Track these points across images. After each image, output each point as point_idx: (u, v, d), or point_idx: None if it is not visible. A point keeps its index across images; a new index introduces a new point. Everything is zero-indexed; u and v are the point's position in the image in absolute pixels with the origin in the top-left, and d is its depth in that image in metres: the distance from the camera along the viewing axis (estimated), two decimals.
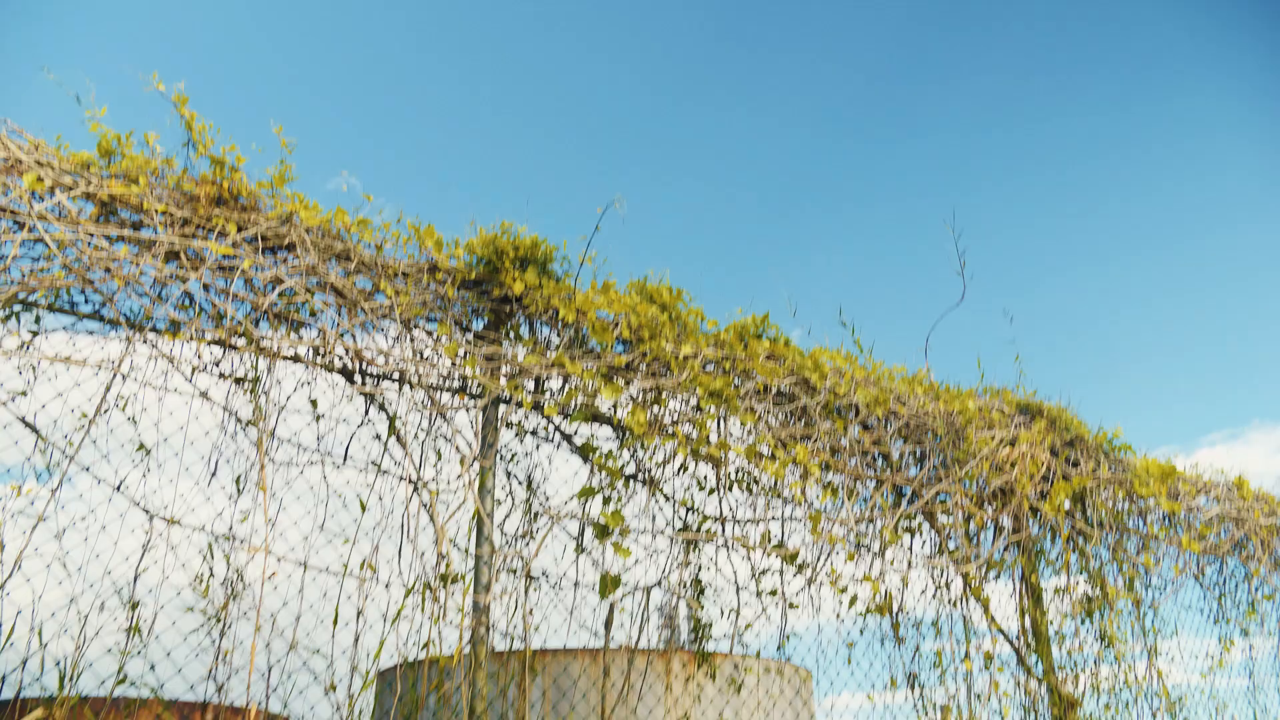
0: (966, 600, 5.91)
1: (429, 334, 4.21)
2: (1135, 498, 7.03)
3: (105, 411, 3.76)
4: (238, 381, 4.22)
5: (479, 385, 4.33)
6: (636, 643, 4.51)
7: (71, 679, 3.47)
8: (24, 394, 3.79)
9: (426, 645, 3.90)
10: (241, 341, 3.91)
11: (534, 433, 4.73)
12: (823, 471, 5.21)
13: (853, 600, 5.41)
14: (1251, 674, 8.32)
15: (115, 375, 3.65)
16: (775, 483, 4.91)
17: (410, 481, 4.10)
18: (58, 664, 3.46)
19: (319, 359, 4.08)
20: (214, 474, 3.91)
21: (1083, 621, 6.55)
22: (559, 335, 4.54)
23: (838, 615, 5.28)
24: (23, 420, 3.77)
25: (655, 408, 4.60)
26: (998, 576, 6.23)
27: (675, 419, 4.57)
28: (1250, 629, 8.34)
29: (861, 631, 5.34)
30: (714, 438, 4.68)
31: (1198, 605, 8.15)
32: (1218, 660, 7.81)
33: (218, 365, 4.20)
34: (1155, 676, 7.12)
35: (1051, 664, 6.22)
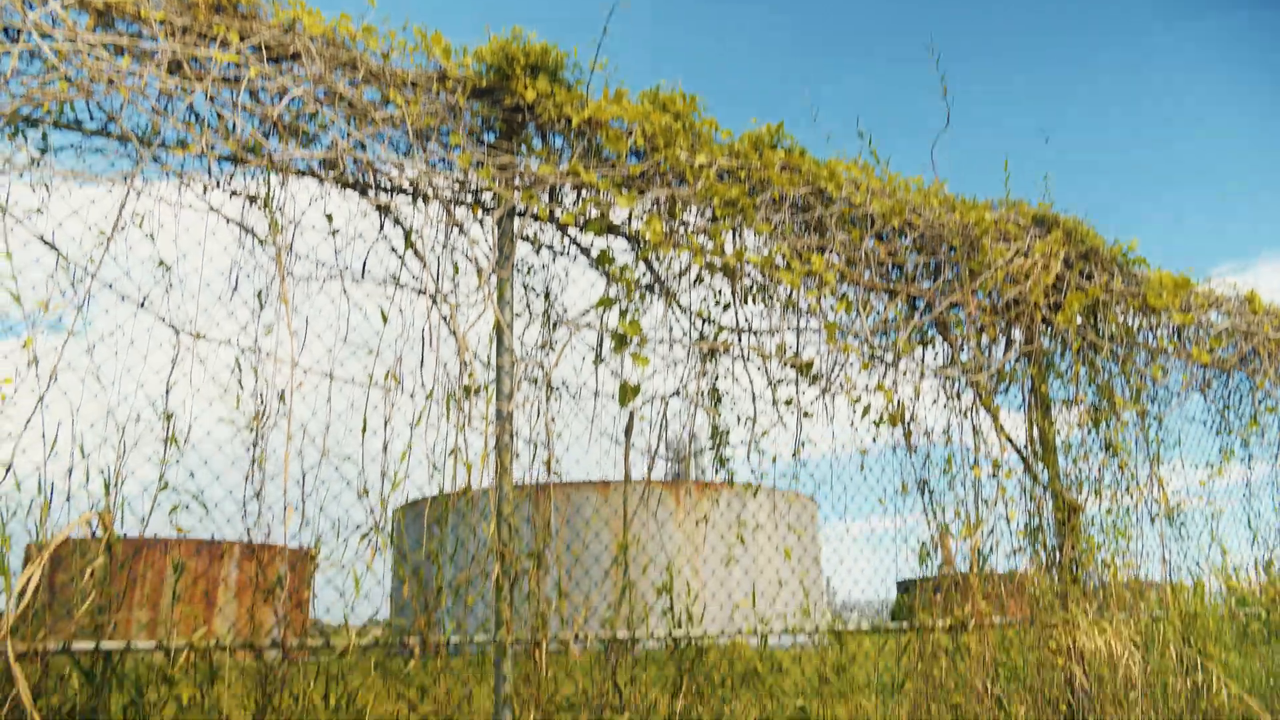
0: (977, 411, 6.02)
1: (442, 145, 4.15)
2: (1147, 311, 7.06)
3: (122, 229, 3.75)
4: (250, 199, 4.19)
5: (494, 197, 4.30)
6: (655, 452, 4.63)
7: (116, 486, 3.59)
8: (39, 212, 3.77)
9: (454, 452, 4.01)
10: (252, 156, 3.87)
11: (550, 247, 4.73)
12: (838, 283, 5.23)
13: (865, 410, 5.52)
14: (1248, 482, 8.56)
15: (129, 191, 3.63)
16: (791, 293, 4.93)
17: (429, 295, 4.12)
18: (101, 472, 3.58)
19: (331, 173, 4.04)
20: (235, 289, 3.94)
21: (1089, 432, 6.69)
22: (572, 146, 4.47)
23: (851, 424, 5.40)
24: (41, 238, 3.77)
25: (670, 220, 4.58)
26: (1007, 388, 6.34)
27: (691, 230, 4.55)
28: (1250, 440, 8.52)
29: (875, 439, 5.47)
30: (729, 249, 4.68)
31: (1201, 418, 8.32)
32: (1217, 469, 8.02)
33: (230, 182, 4.17)
34: (1156, 484, 7.33)
35: (1057, 472, 6.39)
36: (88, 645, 3.40)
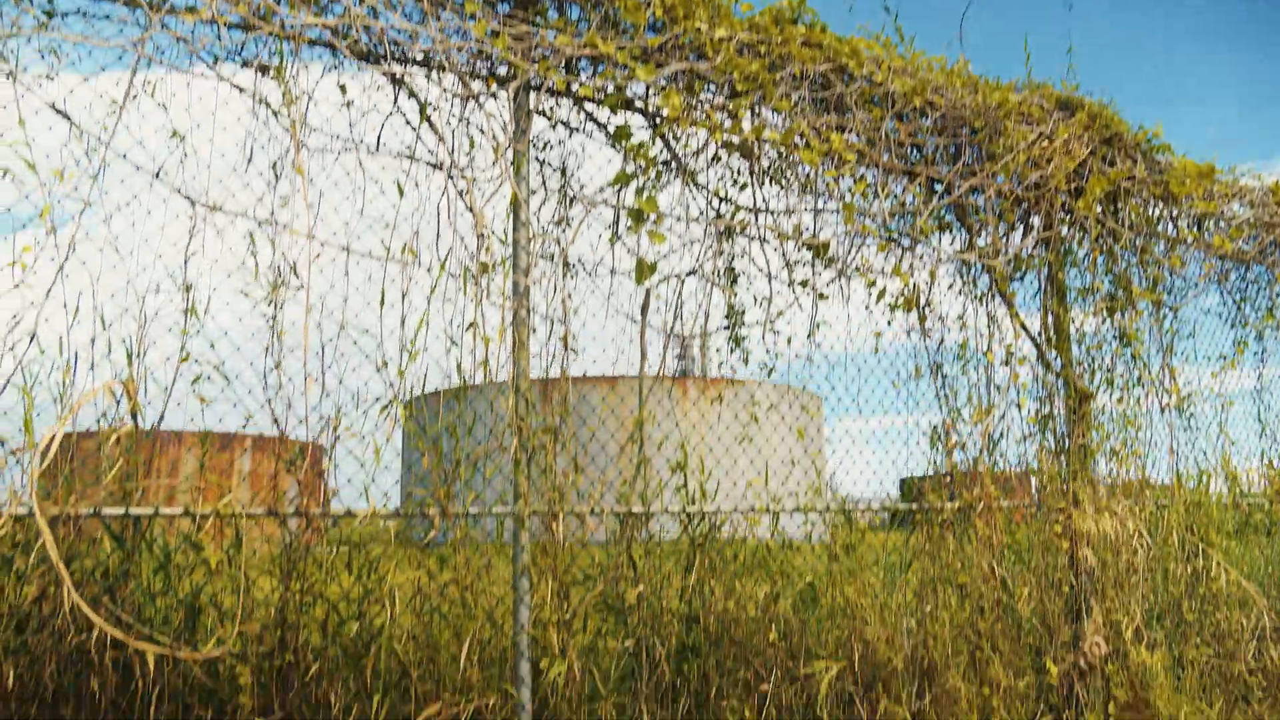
0: (992, 297, 6.00)
1: (457, 13, 4.05)
2: (1168, 199, 6.96)
3: (134, 97, 3.70)
4: (262, 70, 4.12)
5: (509, 70, 4.22)
6: (671, 330, 4.64)
7: (139, 356, 3.62)
8: (50, 78, 3.72)
9: (471, 326, 4.02)
10: (263, 23, 3.78)
11: (565, 124, 4.66)
12: (856, 165, 5.15)
13: (881, 294, 5.50)
14: (1260, 374, 8.57)
15: (139, 58, 3.57)
16: (811, 173, 4.87)
17: (445, 169, 4.08)
18: (123, 342, 3.60)
19: (344, 42, 3.96)
20: (250, 160, 3.90)
21: (1104, 321, 6.68)
22: (589, 18, 4.36)
23: (866, 308, 5.39)
24: (53, 106, 3.72)
25: (689, 96, 4.50)
26: (1024, 275, 6.30)
27: (710, 106, 4.48)
28: (1266, 333, 8.50)
29: (890, 323, 5.47)
30: (747, 126, 4.60)
31: (1216, 310, 8.29)
32: (1229, 362, 8.02)
33: (240, 52, 4.10)
34: (1168, 375, 7.34)
35: (1070, 359, 6.40)
36: (117, 510, 3.48)
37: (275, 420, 3.74)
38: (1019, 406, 6.06)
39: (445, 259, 3.90)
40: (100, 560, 3.53)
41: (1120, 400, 6.75)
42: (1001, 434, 5.96)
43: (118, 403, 3.54)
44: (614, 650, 4.41)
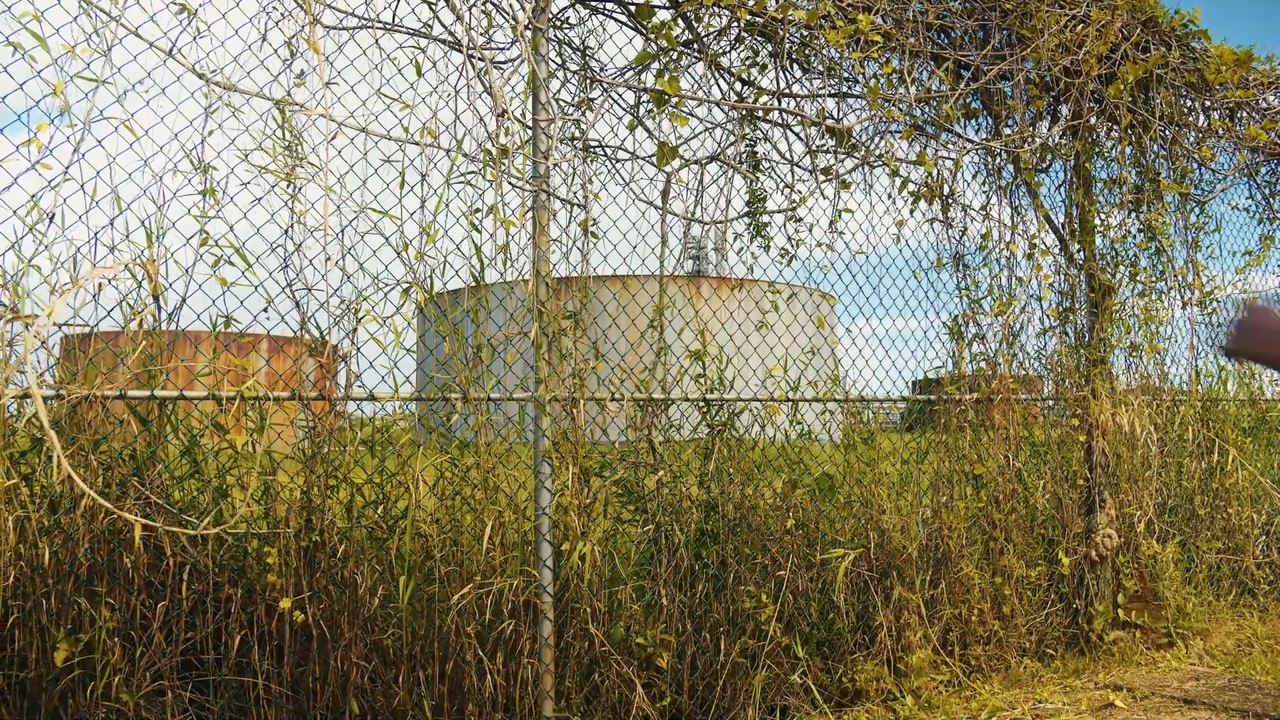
0: (1017, 187, 5.89)
1: None
2: (1202, 88, 6.77)
3: None
4: None
5: None
6: (692, 215, 4.57)
7: (158, 238, 3.58)
8: None
9: (492, 208, 3.96)
10: None
11: (586, 1, 4.51)
12: (883, 49, 5.01)
13: (904, 183, 5.41)
14: None
15: None
16: (836, 56, 4.73)
17: (463, 48, 3.97)
18: (143, 223, 3.57)
19: None
20: (264, 38, 3.80)
21: (1130, 214, 6.57)
22: None
23: (890, 196, 5.31)
24: None
25: None
26: (1050, 165, 6.18)
27: None
28: None
29: (912, 213, 5.38)
30: (773, 4, 4.45)
31: (1244, 205, 8.14)
32: (1255, 258, 7.91)
33: None
34: (1192, 269, 7.25)
35: (1093, 253, 6.31)
36: (143, 393, 3.49)
37: (296, 304, 3.73)
38: (1040, 299, 6.01)
39: (460, 140, 3.82)
40: (127, 442, 3.56)
41: (1143, 295, 6.68)
42: (1022, 326, 5.92)
43: (139, 285, 3.52)
44: (634, 536, 4.47)
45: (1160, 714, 4.77)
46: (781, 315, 4.88)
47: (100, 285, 3.37)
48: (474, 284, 4.02)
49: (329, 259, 3.63)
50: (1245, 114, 7.45)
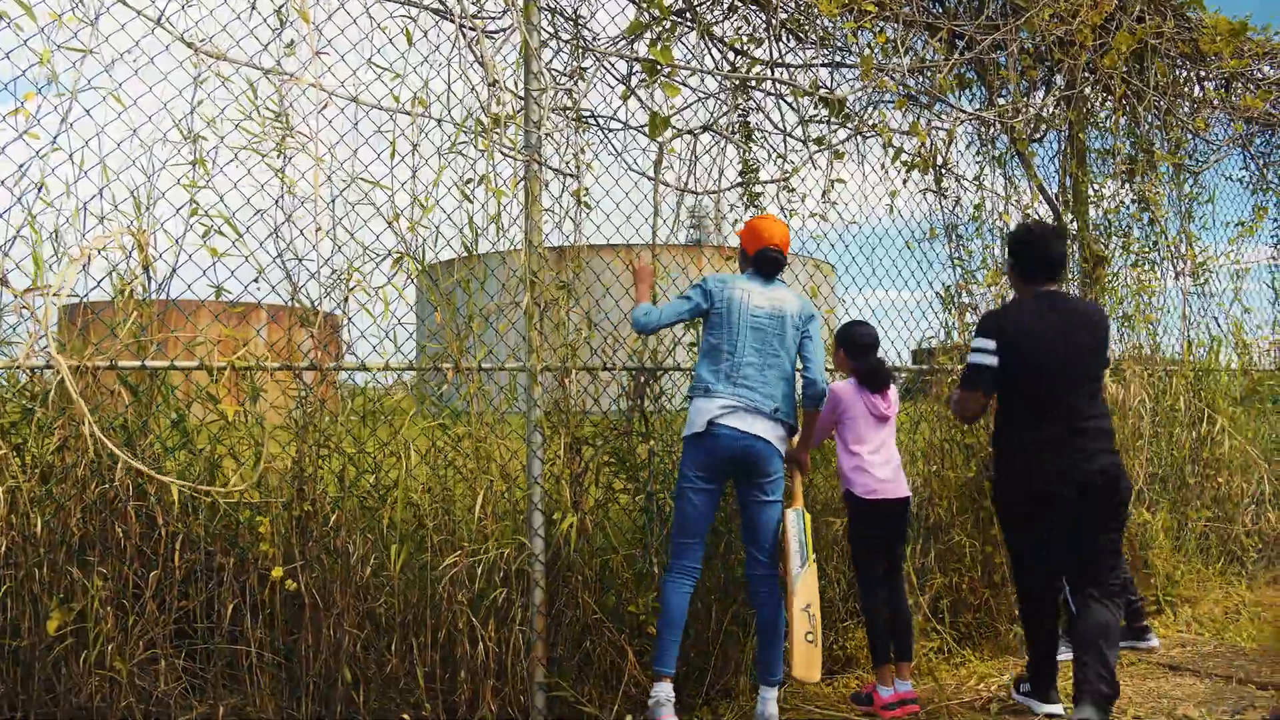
0: (1011, 158, 5.88)
1: None
2: (1196, 59, 6.75)
3: None
4: None
5: None
6: (685, 184, 4.56)
7: (148, 208, 3.57)
8: None
9: (484, 179, 3.95)
10: None
11: None
12: (877, 18, 4.98)
13: (898, 153, 5.39)
14: (1278, 243, 8.46)
15: None
16: (830, 25, 4.71)
17: (454, 18, 3.94)
18: (132, 193, 3.55)
19: None
20: (253, 6, 3.77)
21: (1123, 185, 6.56)
22: None
23: (883, 167, 5.29)
24: None
25: None
26: (1044, 135, 6.16)
27: None
28: None
29: (905, 183, 5.37)
30: None
31: (1238, 176, 8.12)
32: (1248, 228, 7.91)
33: None
34: (1185, 240, 7.25)
35: (1086, 223, 6.32)
36: (134, 364, 3.49)
37: (287, 274, 3.73)
38: None
39: (450, 110, 3.81)
40: (118, 411, 3.56)
41: (1135, 266, 6.69)
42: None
43: (129, 256, 3.52)
44: (625, 504, 4.50)
45: (1146, 680, 4.82)
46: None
47: (90, 257, 3.36)
48: (466, 254, 4.02)
49: (319, 229, 3.62)
50: (1241, 85, 7.43)
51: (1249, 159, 7.89)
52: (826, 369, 4.50)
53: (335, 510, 3.77)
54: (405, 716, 3.80)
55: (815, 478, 4.90)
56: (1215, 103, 7.21)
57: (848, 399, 4.33)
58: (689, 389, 4.06)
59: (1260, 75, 7.59)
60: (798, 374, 4.16)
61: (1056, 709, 4.22)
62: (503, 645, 4.00)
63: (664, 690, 3.89)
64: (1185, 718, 4.22)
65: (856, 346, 4.42)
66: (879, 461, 4.29)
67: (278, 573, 3.59)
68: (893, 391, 4.36)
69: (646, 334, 4.06)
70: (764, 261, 4.09)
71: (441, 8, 4.03)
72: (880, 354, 4.51)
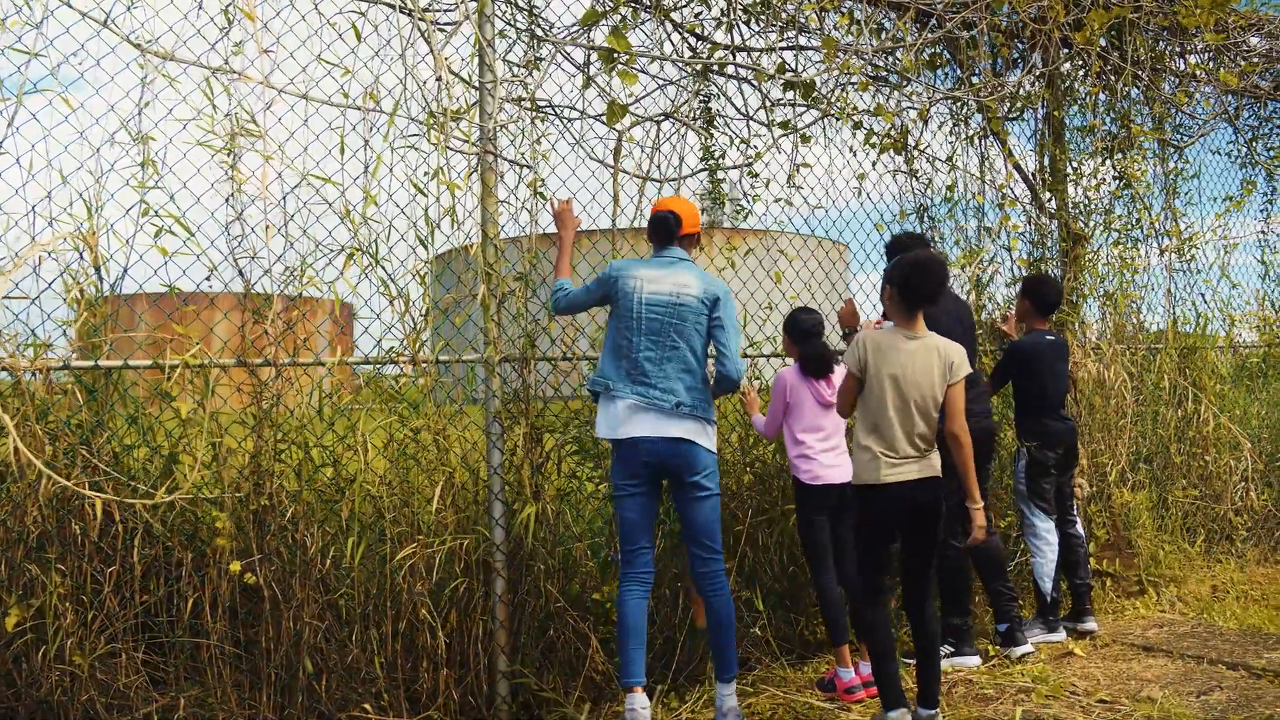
0: (985, 136, 5.84)
1: None
2: (1177, 32, 6.67)
3: None
4: None
5: None
6: (647, 173, 4.55)
7: (97, 210, 3.60)
8: None
9: (437, 173, 3.96)
10: None
11: None
12: (842, 1, 4.95)
13: (869, 135, 5.37)
14: (1267, 217, 8.37)
15: None
16: (794, 8, 4.68)
17: (404, 9, 3.94)
18: (81, 195, 3.57)
19: None
20: (200, 5, 3.77)
21: (1103, 162, 6.50)
22: None
23: (852, 150, 5.27)
24: None
25: None
26: (1021, 113, 6.11)
27: None
28: (1276, 173, 8.27)
29: (874, 165, 5.35)
30: None
31: (1225, 150, 8.03)
32: (1236, 203, 7.83)
33: None
34: (1170, 216, 7.20)
35: (1065, 201, 6.27)
36: (86, 363, 3.53)
37: (240, 272, 3.75)
38: (1009, 249, 5.98)
39: (399, 104, 3.81)
40: (73, 410, 3.60)
41: (1117, 244, 6.64)
42: (990, 277, 5.90)
43: (80, 256, 3.55)
44: (590, 493, 4.52)
45: (1118, 661, 4.83)
46: (738, 271, 4.88)
47: (40, 258, 3.39)
48: (420, 245, 4.03)
49: (268, 226, 3.64)
50: (1229, 58, 7.34)
51: (1236, 133, 7.79)
52: (778, 355, 4.49)
53: (294, 504, 3.80)
54: (366, 706, 3.85)
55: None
56: (1202, 76, 7.13)
57: (794, 386, 4.33)
58: (590, 380, 3.90)
59: (1249, 47, 7.49)
60: (712, 360, 4.00)
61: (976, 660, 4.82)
62: (465, 635, 4.04)
63: (638, 701, 3.75)
64: (1149, 700, 4.23)
65: (800, 333, 4.41)
66: (825, 449, 4.30)
67: (235, 567, 3.63)
68: (837, 376, 4.32)
69: (557, 313, 3.99)
70: (652, 228, 3.90)
71: (392, 1, 4.03)
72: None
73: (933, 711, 3.75)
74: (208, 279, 3.67)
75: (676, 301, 3.82)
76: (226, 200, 3.71)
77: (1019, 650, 4.82)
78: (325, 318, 3.92)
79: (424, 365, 3.98)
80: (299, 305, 3.84)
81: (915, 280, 3.60)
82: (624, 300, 3.83)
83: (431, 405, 3.95)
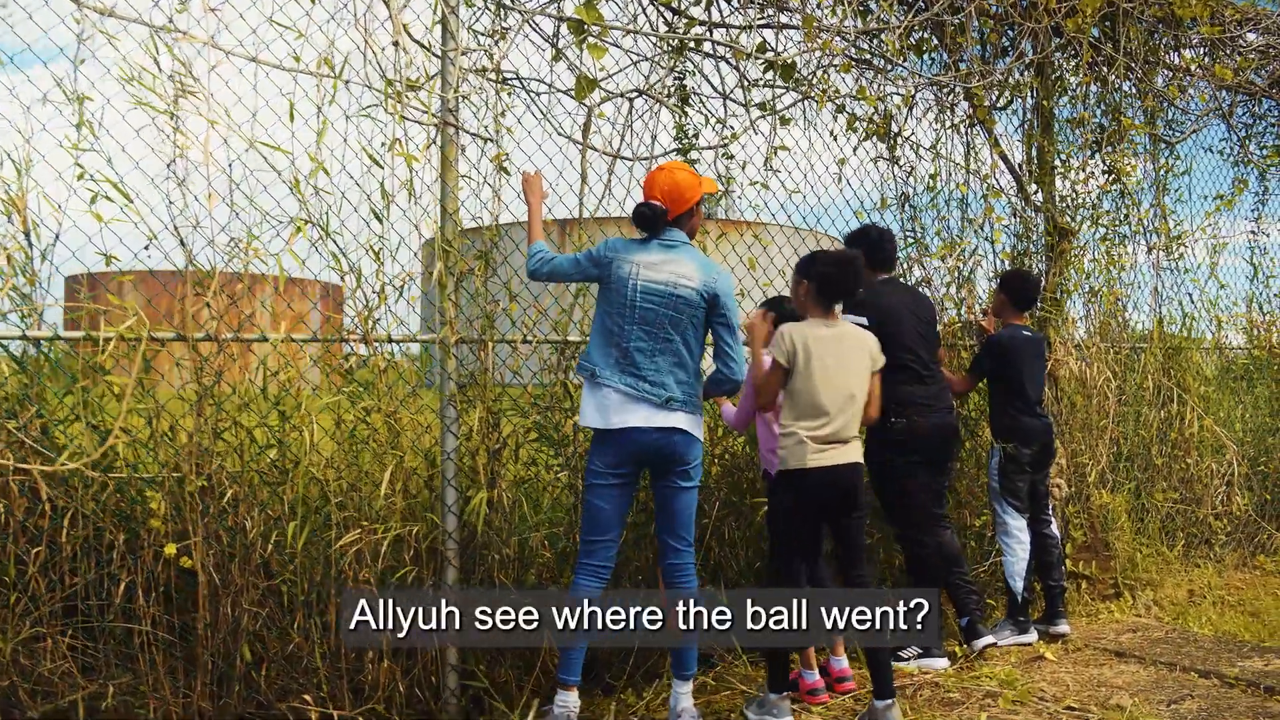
0: (971, 125, 5.68)
1: None
2: (1171, 23, 6.51)
3: None
4: None
5: None
6: (618, 151, 4.39)
7: (26, 172, 3.42)
8: None
9: (393, 144, 3.79)
10: None
11: None
12: None
13: (851, 120, 5.20)
14: (1258, 218, 8.23)
15: None
16: None
17: None
18: (8, 156, 3.39)
19: None
20: None
21: (1093, 155, 6.35)
22: None
23: (833, 134, 5.11)
24: None
25: None
26: (1009, 102, 5.95)
27: None
28: (1269, 172, 8.13)
29: (855, 150, 5.19)
30: None
31: (1217, 147, 7.87)
32: (1227, 201, 7.68)
33: None
34: (1160, 213, 7.05)
35: (1052, 194, 6.11)
36: (13, 332, 3.36)
37: (181, 241, 3.57)
38: (993, 242, 5.83)
39: (344, 67, 3.64)
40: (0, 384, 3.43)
41: (1105, 240, 6.50)
42: (972, 270, 5.75)
43: (9, 220, 3.37)
44: (548, 481, 4.37)
45: (1089, 667, 4.70)
46: (713, 257, 4.72)
47: None
48: (376, 219, 3.86)
49: (211, 194, 3.47)
50: (1224, 52, 7.19)
51: (1230, 130, 7.65)
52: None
53: (234, 485, 3.64)
54: (307, 697, 3.69)
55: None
56: (1196, 70, 6.98)
57: None
58: (578, 366, 3.72)
59: (1244, 43, 7.34)
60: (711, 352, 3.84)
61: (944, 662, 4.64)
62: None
63: (569, 699, 3.60)
64: (1118, 708, 4.10)
65: (781, 320, 4.26)
66: None
67: (171, 550, 3.47)
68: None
69: (535, 279, 3.79)
70: (635, 224, 3.67)
71: None
72: None
73: (889, 702, 3.77)
74: (146, 248, 3.49)
75: (673, 292, 3.60)
76: (168, 166, 3.52)
77: (980, 642, 4.71)
78: (270, 292, 3.74)
79: (375, 346, 3.82)
80: (243, 279, 3.67)
81: (837, 277, 3.73)
82: (617, 285, 3.61)
83: (383, 385, 3.78)
